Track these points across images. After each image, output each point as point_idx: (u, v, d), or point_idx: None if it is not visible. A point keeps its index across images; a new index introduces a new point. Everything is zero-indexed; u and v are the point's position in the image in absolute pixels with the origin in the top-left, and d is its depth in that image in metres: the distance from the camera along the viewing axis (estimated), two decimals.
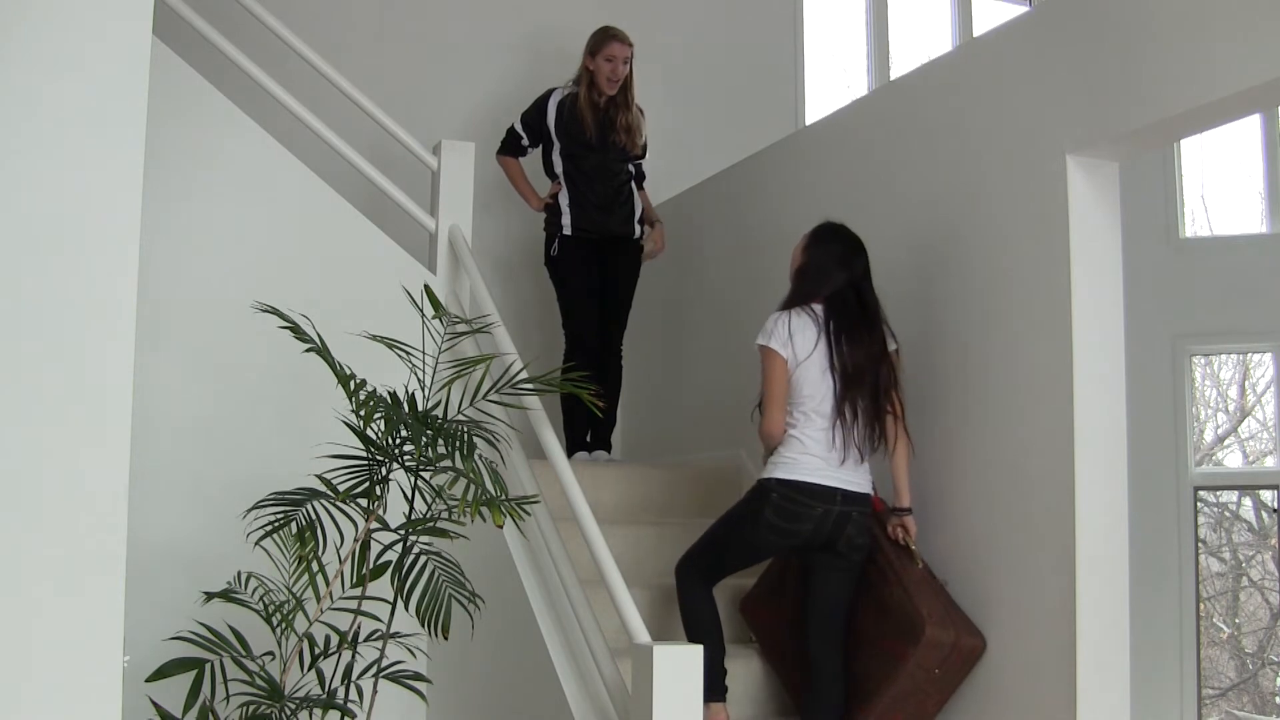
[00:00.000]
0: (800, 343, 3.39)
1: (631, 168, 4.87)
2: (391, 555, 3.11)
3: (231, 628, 3.07)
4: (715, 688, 3.34)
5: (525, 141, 4.84)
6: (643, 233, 4.90)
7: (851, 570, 3.41)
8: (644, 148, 4.91)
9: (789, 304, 3.48)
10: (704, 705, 2.99)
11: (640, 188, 4.94)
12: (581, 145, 4.74)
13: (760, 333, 3.45)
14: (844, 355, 3.38)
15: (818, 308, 3.44)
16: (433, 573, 3.06)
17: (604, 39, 4.73)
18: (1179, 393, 6.19)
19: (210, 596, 3.11)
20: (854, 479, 3.38)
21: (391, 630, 3.10)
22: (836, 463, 3.36)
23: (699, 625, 3.43)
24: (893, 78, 5.55)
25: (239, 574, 3.15)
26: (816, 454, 3.35)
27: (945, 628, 3.27)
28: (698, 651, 2.87)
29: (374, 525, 3.07)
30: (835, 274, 3.46)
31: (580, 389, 3.23)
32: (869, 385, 3.39)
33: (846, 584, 3.42)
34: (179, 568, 3.39)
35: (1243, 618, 7.84)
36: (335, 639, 3.11)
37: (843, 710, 3.37)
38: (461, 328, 3.38)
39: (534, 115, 4.81)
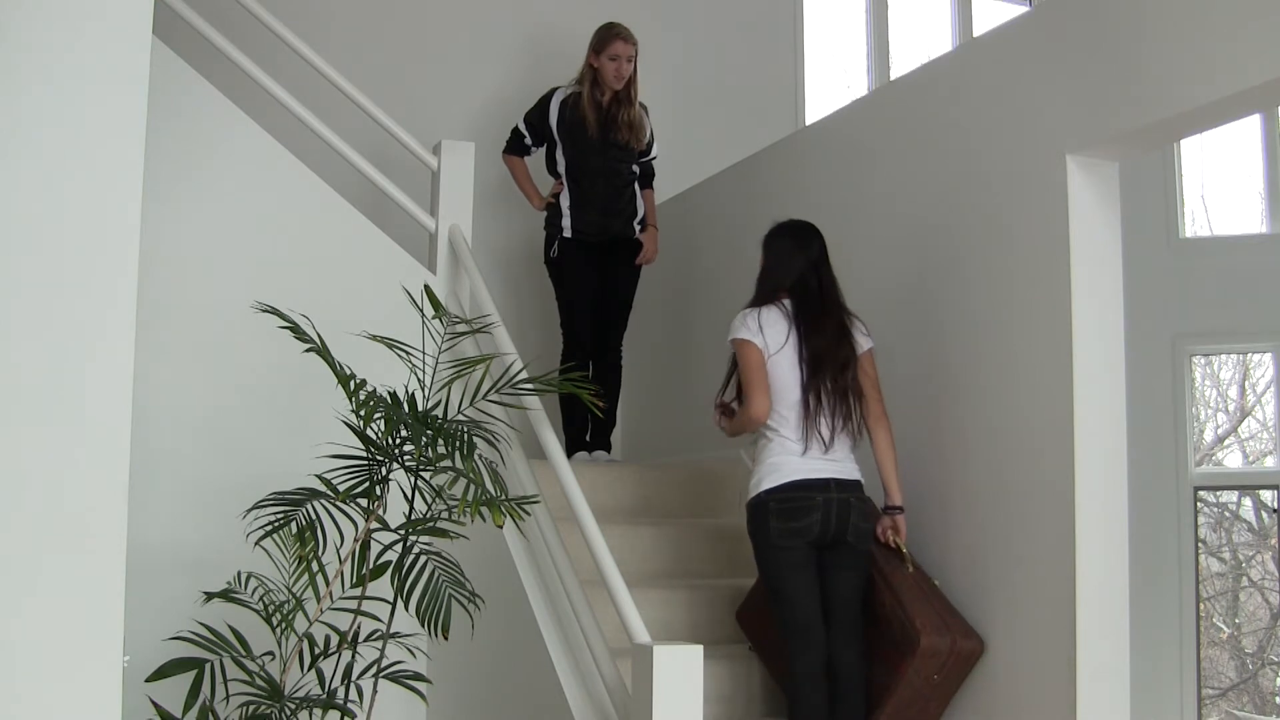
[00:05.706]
0: (771, 336, 3.38)
1: (636, 168, 4.86)
2: (391, 555, 3.11)
3: (231, 628, 3.07)
4: None
5: (528, 141, 4.83)
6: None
7: (864, 559, 3.39)
8: (650, 146, 4.90)
9: (756, 301, 3.49)
10: None
11: (647, 187, 4.93)
12: (584, 144, 4.73)
13: (730, 329, 3.44)
14: (810, 344, 3.38)
15: (786, 303, 3.44)
16: (433, 573, 3.06)
17: (608, 37, 4.70)
18: (1179, 393, 6.18)
19: (210, 596, 3.11)
20: (840, 468, 3.35)
21: (391, 630, 3.10)
22: (817, 454, 3.33)
23: None
24: (893, 78, 5.55)
25: (239, 574, 3.15)
26: (795, 452, 3.33)
27: (941, 635, 3.26)
28: (698, 651, 2.87)
29: (374, 525, 3.07)
30: (794, 260, 3.46)
31: (580, 389, 3.23)
32: (834, 366, 3.37)
33: (864, 573, 3.39)
34: (179, 568, 3.40)
35: (1243, 618, 7.83)
36: (335, 639, 3.11)
37: (865, 715, 3.33)
38: (461, 328, 3.38)
39: (536, 115, 4.80)
